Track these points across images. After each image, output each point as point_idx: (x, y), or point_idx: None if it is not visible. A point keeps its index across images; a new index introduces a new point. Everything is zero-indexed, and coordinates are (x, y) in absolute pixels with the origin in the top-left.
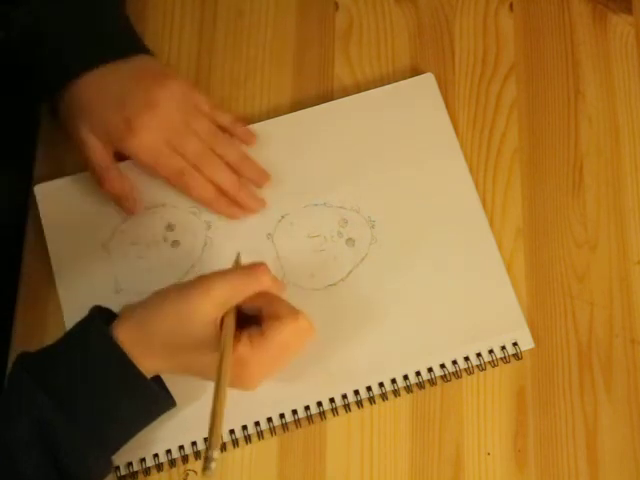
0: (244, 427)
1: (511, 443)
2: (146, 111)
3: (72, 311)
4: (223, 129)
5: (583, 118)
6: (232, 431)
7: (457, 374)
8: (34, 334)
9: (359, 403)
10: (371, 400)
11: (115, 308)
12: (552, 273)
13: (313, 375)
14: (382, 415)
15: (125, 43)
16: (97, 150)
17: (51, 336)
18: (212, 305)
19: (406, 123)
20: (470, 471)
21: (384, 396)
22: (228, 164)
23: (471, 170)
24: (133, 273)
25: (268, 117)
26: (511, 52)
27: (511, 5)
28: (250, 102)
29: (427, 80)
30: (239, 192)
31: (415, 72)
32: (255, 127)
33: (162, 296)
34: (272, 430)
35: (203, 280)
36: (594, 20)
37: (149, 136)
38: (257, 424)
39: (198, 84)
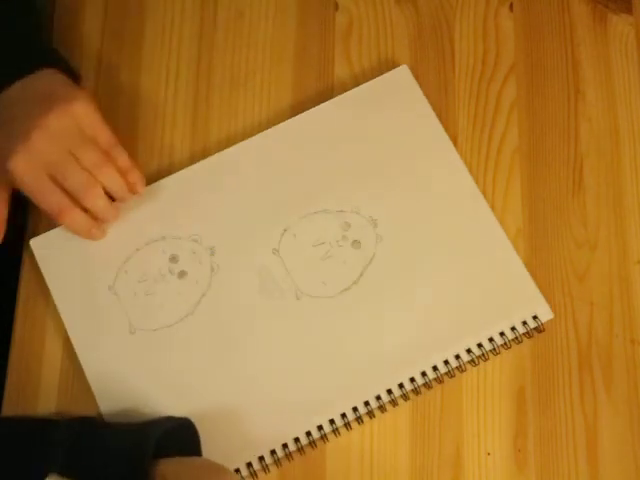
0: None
1: (511, 443)
2: (30, 136)
3: (92, 364)
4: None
5: (583, 118)
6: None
7: (484, 356)
8: (34, 335)
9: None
10: (377, 398)
11: (131, 350)
12: (552, 273)
13: (332, 386)
14: (382, 415)
15: (23, 59)
16: None
17: (51, 336)
18: None
19: (389, 118)
20: (470, 471)
21: (390, 393)
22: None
23: (471, 170)
24: (145, 311)
25: (268, 118)
26: (511, 52)
27: (511, 5)
28: (250, 102)
29: (402, 73)
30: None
31: (415, 72)
32: (238, 148)
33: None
34: (277, 462)
35: None
36: (594, 20)
37: (27, 165)
38: (262, 459)
39: (198, 84)
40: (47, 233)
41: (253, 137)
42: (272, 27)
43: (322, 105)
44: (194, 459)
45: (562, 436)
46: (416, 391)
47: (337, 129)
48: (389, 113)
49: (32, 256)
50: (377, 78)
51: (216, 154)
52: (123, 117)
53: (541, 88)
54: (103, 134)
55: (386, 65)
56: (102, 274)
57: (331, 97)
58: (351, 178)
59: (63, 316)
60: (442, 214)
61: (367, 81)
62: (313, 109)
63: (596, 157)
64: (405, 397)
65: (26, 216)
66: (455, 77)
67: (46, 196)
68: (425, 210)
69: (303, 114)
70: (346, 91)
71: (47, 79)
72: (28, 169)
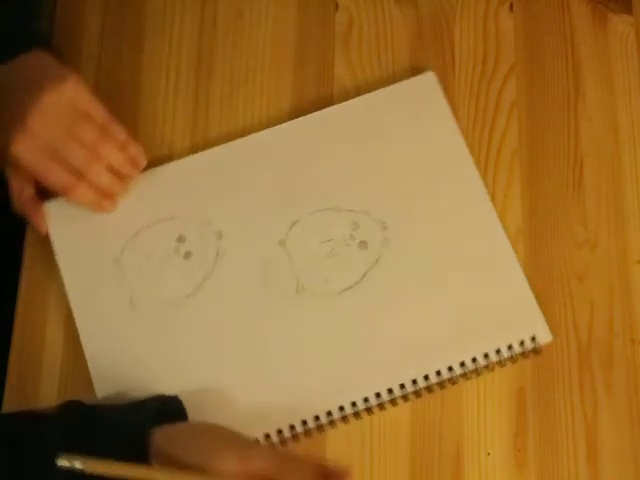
0: None
1: (511, 443)
2: (25, 119)
3: (89, 332)
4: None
5: (583, 118)
6: None
7: (477, 371)
8: (34, 333)
9: (365, 403)
10: (366, 400)
11: (130, 325)
12: (552, 273)
13: (327, 381)
14: (382, 415)
15: (15, 42)
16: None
17: (51, 336)
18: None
19: (410, 123)
20: (470, 471)
21: (391, 395)
22: (110, 166)
23: None
24: (147, 288)
25: (268, 117)
26: (511, 52)
27: (511, 5)
28: (250, 102)
29: (428, 79)
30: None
31: (415, 72)
32: (259, 135)
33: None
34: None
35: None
36: (594, 20)
37: (28, 149)
38: None
39: (198, 84)
40: (62, 198)
41: (275, 127)
42: (272, 27)
43: (348, 102)
44: (187, 423)
45: (562, 436)
46: (405, 398)
47: (358, 128)
48: (411, 118)
49: (33, 249)
50: (403, 81)
51: (237, 140)
52: (123, 118)
53: (541, 88)
54: (97, 112)
55: (386, 65)
56: (110, 245)
57: (331, 97)
58: (364, 179)
59: (66, 283)
60: (451, 225)
61: (366, 81)
62: (338, 105)
63: (596, 157)
64: (393, 403)
65: None
66: (455, 77)
67: (51, 175)
68: (435, 219)
69: (328, 109)
70: (345, 91)
71: (36, 61)
72: (29, 152)
